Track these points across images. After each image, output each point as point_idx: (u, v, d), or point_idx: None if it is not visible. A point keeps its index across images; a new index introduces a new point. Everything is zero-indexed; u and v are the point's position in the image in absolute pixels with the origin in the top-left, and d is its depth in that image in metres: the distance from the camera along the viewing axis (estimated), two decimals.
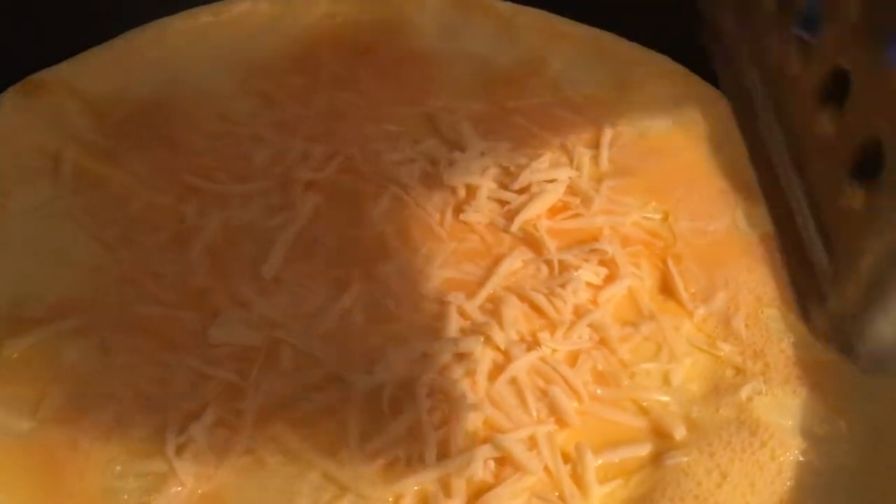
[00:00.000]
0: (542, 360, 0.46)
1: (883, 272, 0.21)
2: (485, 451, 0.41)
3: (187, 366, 0.43)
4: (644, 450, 0.43)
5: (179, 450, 0.40)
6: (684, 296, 0.50)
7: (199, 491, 0.39)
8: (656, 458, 0.43)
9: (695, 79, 0.60)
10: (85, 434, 0.40)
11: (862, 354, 0.22)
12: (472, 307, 0.47)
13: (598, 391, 0.46)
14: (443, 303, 0.47)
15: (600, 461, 0.43)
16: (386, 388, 0.43)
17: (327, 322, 0.46)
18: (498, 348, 0.46)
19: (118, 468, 0.39)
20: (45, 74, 0.51)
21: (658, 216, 0.54)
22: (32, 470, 0.39)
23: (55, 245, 0.46)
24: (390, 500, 0.40)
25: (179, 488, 0.39)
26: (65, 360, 0.42)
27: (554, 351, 0.46)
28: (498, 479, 0.41)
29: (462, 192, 0.52)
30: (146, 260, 0.46)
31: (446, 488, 0.41)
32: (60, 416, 0.40)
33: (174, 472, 0.39)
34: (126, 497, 0.39)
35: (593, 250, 0.50)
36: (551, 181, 0.53)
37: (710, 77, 0.60)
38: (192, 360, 0.43)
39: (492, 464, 0.42)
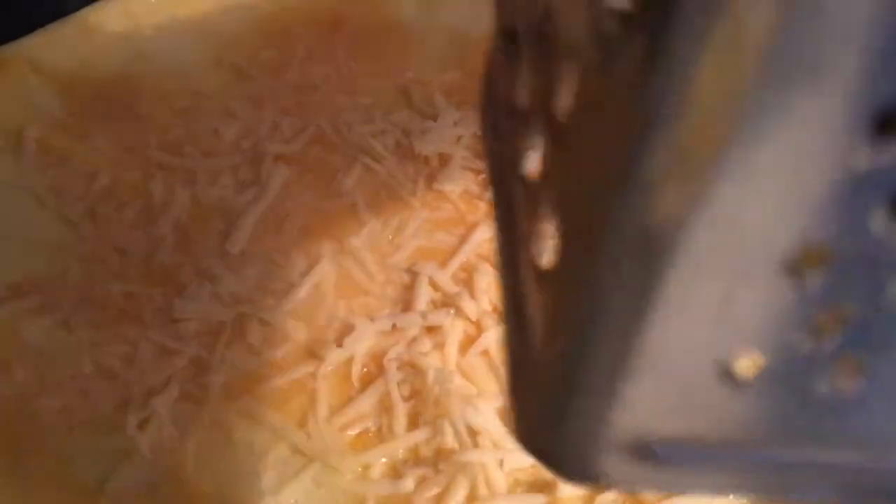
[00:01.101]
0: None
1: (566, 375, 0.18)
2: (455, 421, 0.41)
3: (152, 341, 0.42)
4: None
5: (142, 424, 0.39)
6: None
7: (162, 464, 0.39)
8: None
9: None
10: (45, 409, 0.39)
11: (554, 462, 0.19)
12: (444, 277, 0.46)
13: None
14: (413, 273, 0.46)
15: None
16: (355, 361, 0.43)
17: (297, 296, 0.45)
18: (469, 319, 0.45)
19: (79, 443, 0.39)
20: (7, 50, 0.51)
21: None
22: None
23: (16, 223, 0.45)
24: (359, 469, 0.40)
25: (141, 462, 0.39)
26: (26, 337, 0.41)
27: None
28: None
29: (435, 161, 0.51)
30: (111, 236, 0.46)
31: (416, 457, 0.40)
32: (20, 392, 0.40)
33: (136, 445, 0.39)
34: (87, 470, 0.38)
35: None
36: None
37: None
38: (157, 335, 0.42)
39: (464, 432, 0.41)
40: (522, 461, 0.41)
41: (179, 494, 0.38)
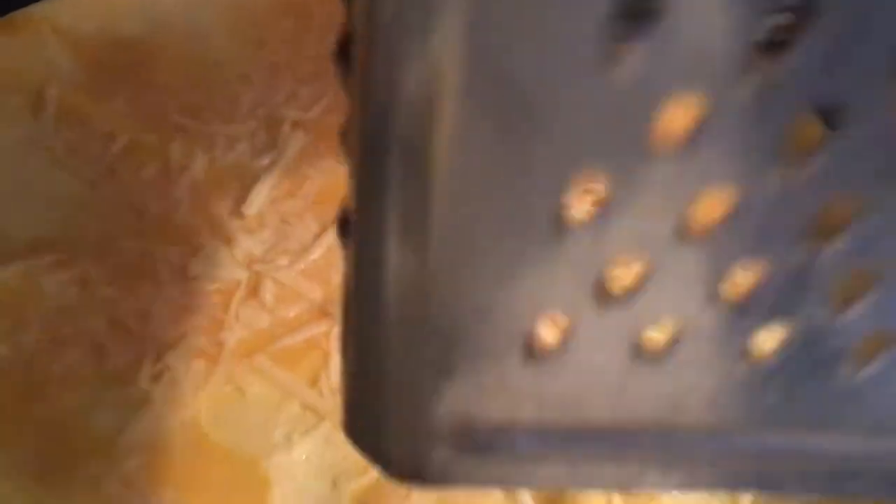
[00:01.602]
0: None
1: (370, 356, 0.17)
2: None
3: (168, 299, 0.42)
4: None
5: (155, 377, 0.40)
6: None
7: (176, 417, 0.39)
8: None
9: None
10: (61, 361, 0.40)
11: (378, 457, 0.18)
12: None
13: None
14: None
15: None
16: None
17: (311, 257, 0.45)
18: None
19: (93, 394, 0.39)
20: (28, 12, 0.51)
21: None
22: (6, 394, 0.39)
23: (35, 182, 0.46)
24: None
25: (154, 414, 0.39)
26: (44, 291, 0.42)
27: None
28: None
29: None
30: (129, 196, 0.46)
31: None
32: (37, 343, 0.40)
33: (150, 397, 0.39)
34: (101, 421, 0.39)
35: None
36: None
37: None
38: (172, 293, 0.43)
39: None
40: None
41: (193, 446, 0.39)
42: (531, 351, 0.16)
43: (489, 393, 0.16)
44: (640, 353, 0.16)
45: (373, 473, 0.39)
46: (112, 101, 0.50)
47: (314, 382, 0.41)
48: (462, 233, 0.15)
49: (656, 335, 0.16)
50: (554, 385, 0.16)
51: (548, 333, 0.16)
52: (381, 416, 0.17)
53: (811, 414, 0.16)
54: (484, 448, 0.17)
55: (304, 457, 0.39)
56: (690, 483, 0.17)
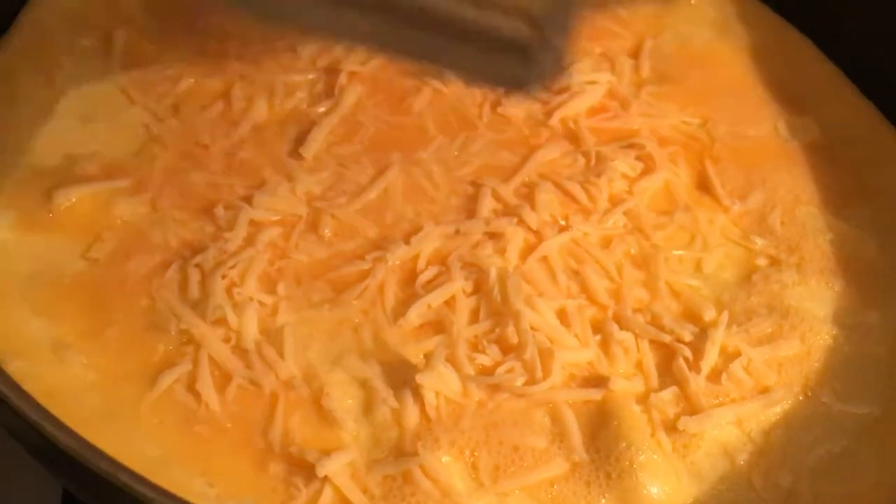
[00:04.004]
0: (574, 241, 0.47)
1: None
2: (515, 315, 0.42)
3: (234, 224, 0.44)
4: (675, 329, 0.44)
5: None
6: (721, 192, 0.50)
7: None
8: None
9: None
10: (133, 276, 0.42)
11: None
12: (507, 190, 0.48)
13: (630, 273, 0.46)
14: (477, 186, 0.48)
15: (629, 335, 0.43)
16: (421, 257, 0.45)
17: (367, 198, 0.47)
18: (530, 229, 0.46)
19: (164, 307, 0.41)
20: None
21: (697, 121, 0.54)
22: (82, 306, 0.41)
23: (106, 113, 0.48)
24: (421, 357, 0.41)
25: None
26: (116, 212, 0.44)
27: (586, 234, 0.47)
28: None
29: (501, 89, 0.53)
30: (195, 132, 0.48)
31: (476, 347, 0.42)
32: (110, 259, 0.42)
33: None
34: (171, 332, 0.41)
35: (631, 145, 0.51)
36: (591, 83, 0.54)
37: None
38: (238, 222, 0.44)
39: (523, 328, 0.42)
40: (578, 358, 0.42)
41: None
42: None
43: None
44: None
45: None
46: (177, 46, 0.51)
47: (369, 312, 0.43)
48: None
49: None
50: None
51: None
52: None
53: None
54: None
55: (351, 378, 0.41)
56: None
